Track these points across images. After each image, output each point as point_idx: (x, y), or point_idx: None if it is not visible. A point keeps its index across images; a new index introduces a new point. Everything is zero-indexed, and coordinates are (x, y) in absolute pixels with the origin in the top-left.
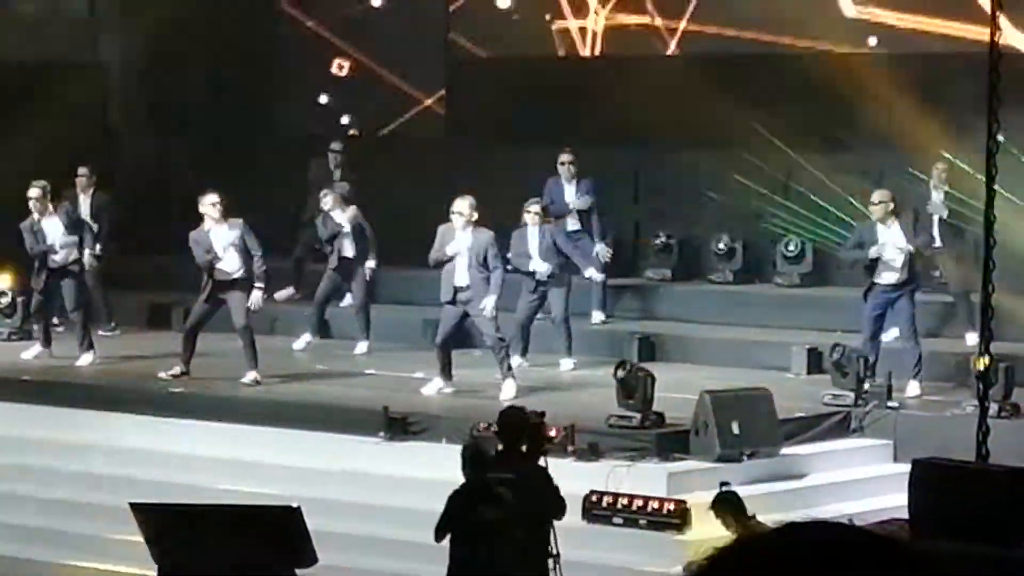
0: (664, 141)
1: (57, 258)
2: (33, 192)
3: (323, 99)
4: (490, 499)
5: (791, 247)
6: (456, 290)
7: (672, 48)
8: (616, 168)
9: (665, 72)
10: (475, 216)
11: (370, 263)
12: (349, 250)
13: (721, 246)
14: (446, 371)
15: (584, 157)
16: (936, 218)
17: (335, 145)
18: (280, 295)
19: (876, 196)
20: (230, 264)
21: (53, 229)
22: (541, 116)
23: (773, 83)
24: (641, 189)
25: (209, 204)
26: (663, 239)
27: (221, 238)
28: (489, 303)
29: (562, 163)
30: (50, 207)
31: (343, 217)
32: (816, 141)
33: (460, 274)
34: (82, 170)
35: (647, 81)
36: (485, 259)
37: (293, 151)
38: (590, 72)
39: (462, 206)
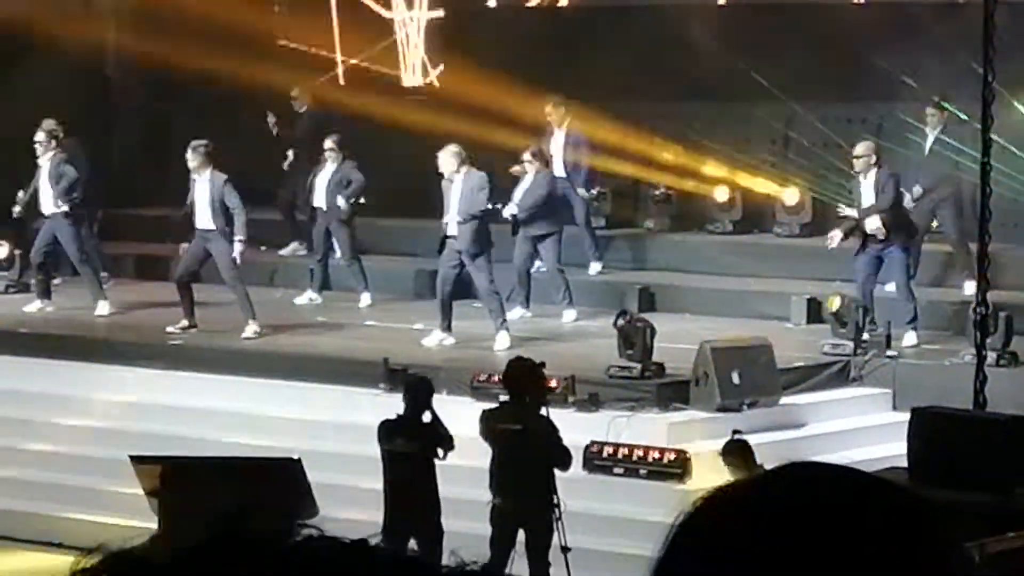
0: (664, 92)
1: (43, 207)
2: (38, 135)
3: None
4: (413, 434)
5: (790, 197)
6: (444, 239)
7: None
8: (616, 118)
9: (662, 21)
10: (463, 162)
11: (341, 203)
12: (320, 201)
13: (720, 196)
14: (446, 322)
15: (583, 107)
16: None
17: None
18: (286, 251)
19: (858, 149)
20: (204, 217)
21: (41, 174)
22: (537, 66)
23: (773, 32)
24: (640, 139)
25: (188, 154)
26: (663, 190)
27: (199, 189)
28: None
29: (547, 114)
30: (50, 152)
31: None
32: (816, 90)
33: (450, 224)
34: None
35: (643, 31)
36: (475, 203)
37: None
38: (582, 22)
39: (446, 155)
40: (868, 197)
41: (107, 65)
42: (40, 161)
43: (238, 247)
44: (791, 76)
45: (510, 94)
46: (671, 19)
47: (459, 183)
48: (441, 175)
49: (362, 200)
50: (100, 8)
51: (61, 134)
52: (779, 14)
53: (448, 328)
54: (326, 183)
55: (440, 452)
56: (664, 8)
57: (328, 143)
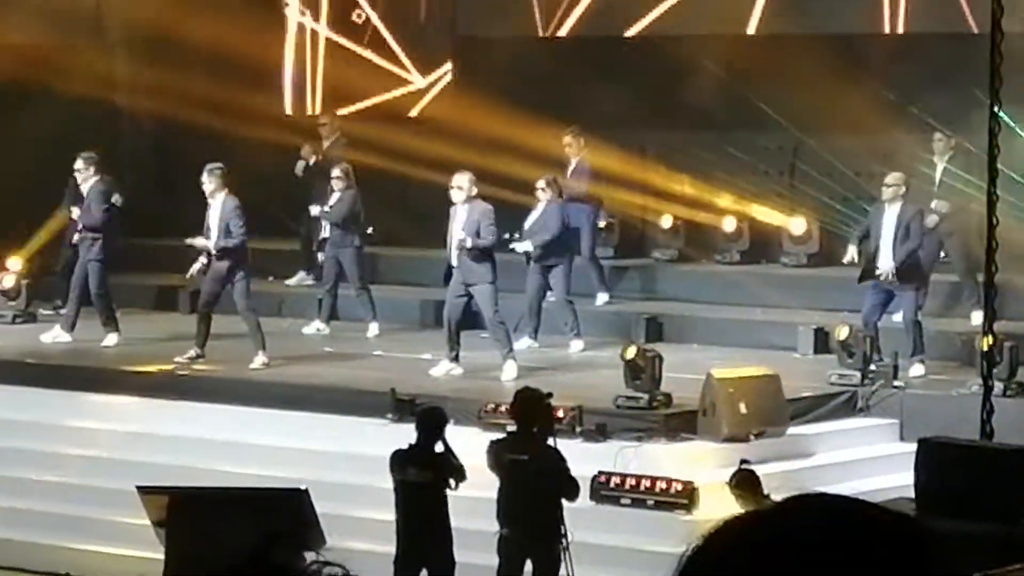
0: (673, 122)
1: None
2: (77, 163)
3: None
4: (425, 464)
5: (798, 227)
6: (449, 268)
7: (676, 28)
8: (623, 148)
9: (668, 51)
10: (475, 191)
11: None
12: (328, 231)
13: (727, 227)
14: (454, 352)
15: (591, 137)
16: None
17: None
18: (292, 281)
19: (889, 177)
20: (214, 240)
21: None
22: (545, 96)
23: (780, 62)
24: (648, 170)
25: (204, 177)
26: (670, 220)
27: (212, 213)
28: (467, 242)
29: (566, 144)
30: (88, 181)
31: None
32: (823, 120)
33: (453, 253)
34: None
35: (650, 61)
36: (479, 232)
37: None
38: (593, 52)
39: (461, 180)
40: (889, 226)
41: (117, 94)
42: (81, 187)
43: (215, 264)
44: (798, 106)
45: (517, 124)
46: (678, 49)
47: (464, 212)
48: (448, 205)
49: (369, 230)
50: (111, 39)
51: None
52: (785, 44)
53: (456, 358)
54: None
55: (452, 482)
56: (671, 39)
57: (336, 172)
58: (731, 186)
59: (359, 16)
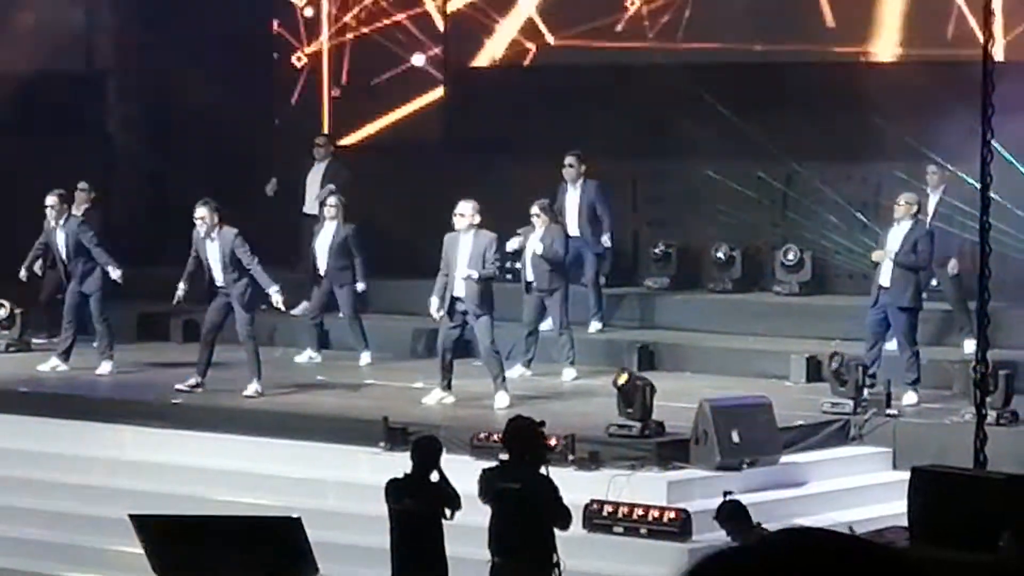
0: (662, 151)
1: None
2: (49, 200)
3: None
4: (420, 493)
5: (790, 256)
6: (454, 300)
7: (667, 57)
8: (615, 177)
9: (661, 81)
10: (478, 219)
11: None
12: (322, 263)
13: (720, 255)
14: (446, 380)
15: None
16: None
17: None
18: (296, 310)
19: (902, 197)
20: (219, 275)
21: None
22: (538, 125)
23: (772, 91)
24: (639, 198)
25: (201, 211)
26: (662, 248)
27: (211, 248)
28: (474, 274)
29: (569, 165)
30: (62, 216)
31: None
32: (815, 149)
33: (457, 283)
34: (82, 185)
35: (644, 90)
36: (484, 263)
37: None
38: (587, 80)
39: (465, 208)
40: (894, 243)
41: (109, 124)
42: (57, 229)
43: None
44: (790, 135)
45: (508, 152)
46: (671, 78)
47: (468, 241)
48: (440, 235)
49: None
50: (103, 67)
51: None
52: (780, 74)
53: (448, 387)
54: (327, 247)
55: (448, 512)
56: (664, 67)
57: (331, 200)
58: (724, 215)
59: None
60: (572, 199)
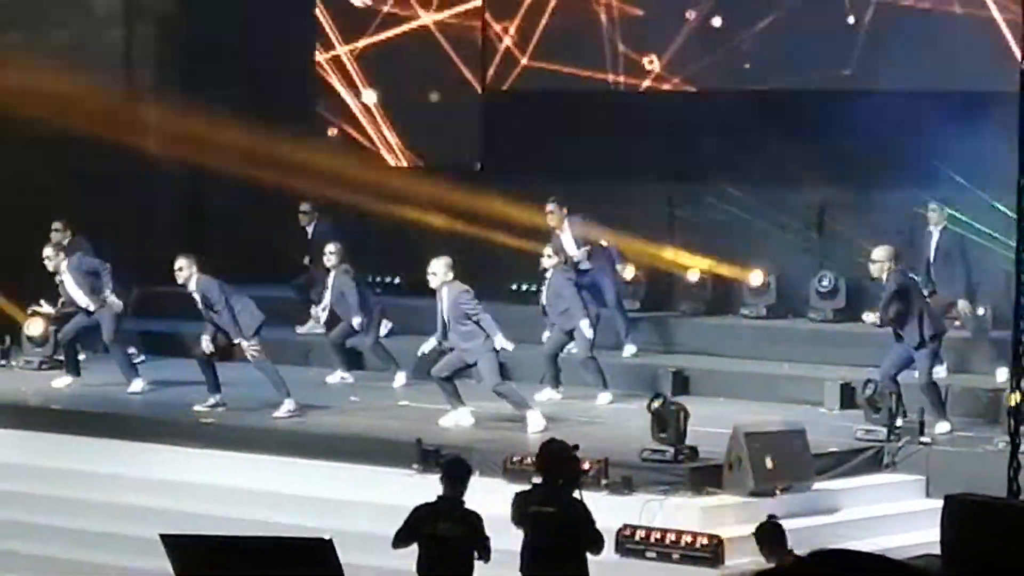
0: (698, 175)
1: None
2: (47, 251)
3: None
4: (454, 517)
5: (825, 282)
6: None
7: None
8: (650, 201)
9: (699, 106)
10: (450, 276)
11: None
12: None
13: (755, 282)
14: (456, 398)
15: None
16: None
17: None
18: (302, 329)
19: (875, 253)
20: (232, 328)
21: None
22: (573, 149)
23: (809, 118)
24: (675, 224)
25: (176, 268)
26: (696, 274)
27: (198, 298)
28: (501, 343)
29: (550, 212)
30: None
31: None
32: (852, 175)
33: (451, 336)
34: (56, 225)
35: (682, 115)
36: (464, 314)
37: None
38: (624, 105)
39: (436, 266)
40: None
41: (148, 144)
42: (61, 274)
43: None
44: (827, 160)
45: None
46: (708, 104)
47: (445, 295)
48: (477, 256)
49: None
50: (142, 88)
51: (66, 240)
52: (813, 101)
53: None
54: (331, 300)
55: (479, 555)
56: (701, 93)
57: (330, 247)
58: (758, 240)
59: None
60: (567, 240)
